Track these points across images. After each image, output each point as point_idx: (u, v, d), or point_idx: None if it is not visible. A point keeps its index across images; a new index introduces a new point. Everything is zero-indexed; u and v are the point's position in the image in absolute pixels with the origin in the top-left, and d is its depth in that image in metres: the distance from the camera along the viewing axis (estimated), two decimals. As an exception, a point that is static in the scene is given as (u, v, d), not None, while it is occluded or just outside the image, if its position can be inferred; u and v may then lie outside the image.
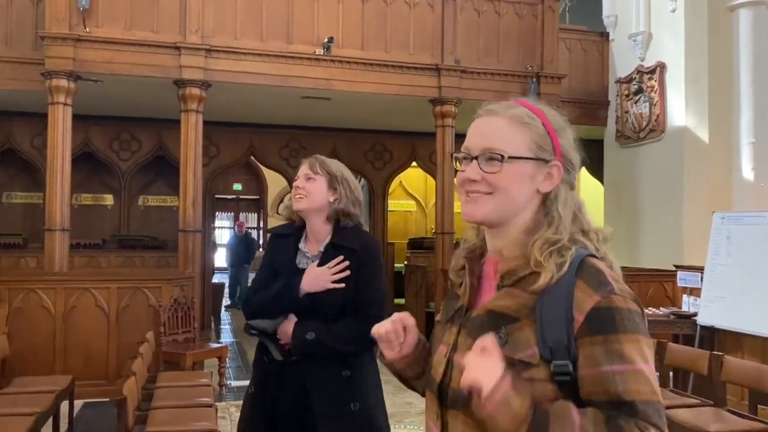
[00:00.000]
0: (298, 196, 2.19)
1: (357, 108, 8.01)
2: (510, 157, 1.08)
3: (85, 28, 6.18)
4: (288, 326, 2.10)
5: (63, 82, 6.14)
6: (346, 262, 2.12)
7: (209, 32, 6.57)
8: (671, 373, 4.80)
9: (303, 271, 2.15)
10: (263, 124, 9.04)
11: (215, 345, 6.28)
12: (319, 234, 2.22)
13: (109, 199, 9.29)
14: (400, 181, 11.06)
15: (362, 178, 10.09)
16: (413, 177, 11.01)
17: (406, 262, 9.29)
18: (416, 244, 10.13)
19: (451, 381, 1.08)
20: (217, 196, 10.61)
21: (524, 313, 1.02)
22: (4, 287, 5.49)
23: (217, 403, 4.04)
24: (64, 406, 4.38)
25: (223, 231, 16.80)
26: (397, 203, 11.19)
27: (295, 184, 2.24)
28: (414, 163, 9.92)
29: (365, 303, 2.12)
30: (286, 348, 2.11)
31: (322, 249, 2.19)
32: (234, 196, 11.63)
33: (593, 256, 1.06)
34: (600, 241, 1.09)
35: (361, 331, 2.07)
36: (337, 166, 2.26)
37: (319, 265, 2.14)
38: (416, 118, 8.01)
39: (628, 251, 8.04)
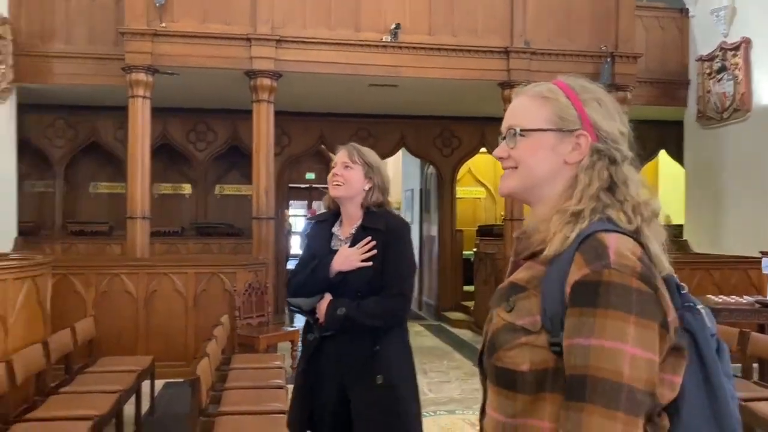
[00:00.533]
0: (335, 183, 2.35)
1: (424, 94, 7.97)
2: (524, 130, 1.13)
3: (161, 23, 6.42)
4: (323, 304, 2.26)
5: (142, 76, 6.42)
6: (374, 242, 2.26)
7: (279, 23, 6.69)
8: (756, 365, 4.56)
9: (336, 252, 2.31)
10: (333, 113, 9.15)
11: (288, 329, 6.43)
12: (351, 218, 2.37)
13: (187, 189, 9.66)
14: (469, 168, 10.95)
15: (430, 165, 10.06)
16: (482, 163, 10.87)
17: (475, 249, 9.21)
18: (485, 231, 10.01)
19: (485, 350, 1.11)
20: (291, 184, 10.82)
21: (533, 284, 1.05)
22: (91, 272, 5.81)
23: (288, 385, 4.14)
24: (146, 385, 4.61)
25: (299, 219, 17.17)
26: (465, 190, 11.08)
27: (333, 171, 2.36)
28: (483, 149, 9.80)
29: (391, 280, 2.26)
30: (321, 324, 2.27)
31: (353, 231, 2.34)
32: (307, 185, 11.81)
33: (615, 230, 1.02)
34: (636, 214, 1.05)
35: (388, 307, 2.24)
36: (372, 156, 2.41)
37: (351, 246, 2.29)
38: (485, 102, 7.89)
39: (710, 237, 7.68)
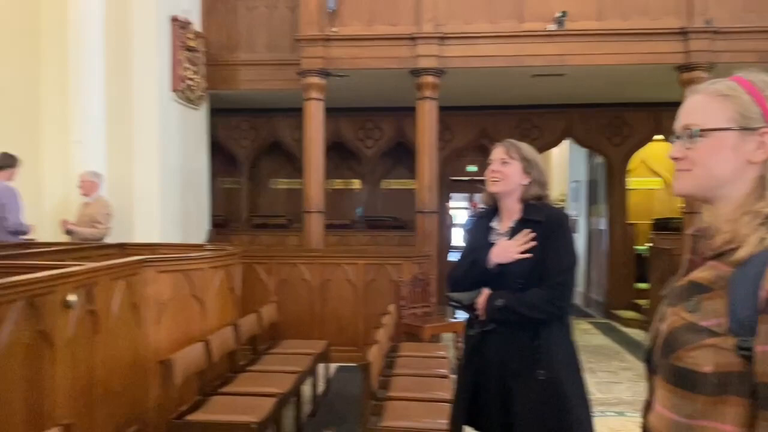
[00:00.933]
0: (493, 179, 2.37)
1: (592, 82, 7.66)
2: (703, 130, 1.10)
3: (332, 28, 6.81)
4: (482, 298, 2.28)
5: (315, 79, 6.85)
6: (533, 234, 2.25)
7: (442, 20, 6.79)
8: None
9: (494, 245, 2.33)
10: (495, 106, 9.09)
11: (452, 320, 6.55)
12: (511, 212, 2.38)
13: (356, 184, 10.14)
14: (642, 157, 10.30)
15: (599, 155, 9.64)
16: (658, 151, 10.17)
17: (650, 245, 8.68)
18: (661, 225, 9.40)
19: (655, 347, 1.11)
20: (452, 177, 10.93)
21: (719, 284, 1.02)
22: (273, 262, 6.35)
23: (452, 376, 4.24)
24: (321, 367, 4.96)
25: (460, 212, 17.27)
26: (638, 181, 10.45)
27: (490, 167, 2.39)
28: (658, 137, 9.19)
29: (551, 271, 2.23)
30: (481, 318, 2.29)
31: (512, 225, 2.34)
32: (468, 178, 11.86)
33: None
34: None
35: (548, 298, 2.21)
36: (529, 151, 2.41)
37: (510, 239, 2.30)
38: (659, 87, 7.41)
39: None
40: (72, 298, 2.93)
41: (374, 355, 3.42)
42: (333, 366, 5.49)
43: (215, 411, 3.30)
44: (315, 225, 6.91)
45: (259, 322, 4.79)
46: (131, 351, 3.61)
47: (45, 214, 5.94)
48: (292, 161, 9.67)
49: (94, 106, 6.09)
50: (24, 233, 5.38)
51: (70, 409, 2.89)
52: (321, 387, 5.01)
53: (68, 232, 5.68)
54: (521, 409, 2.19)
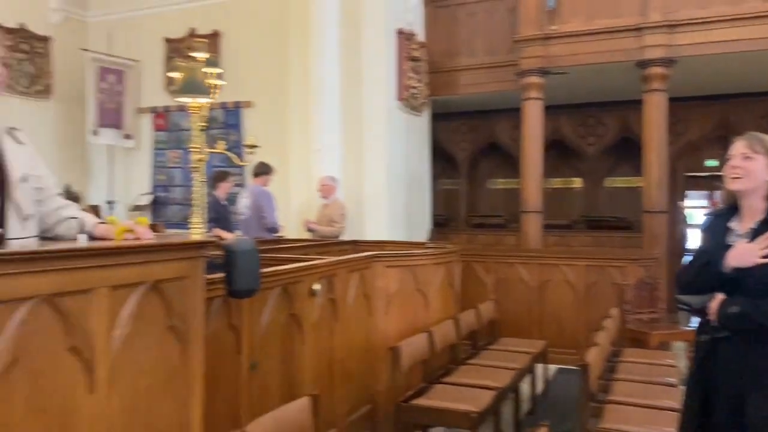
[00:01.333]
0: (733, 176, 2.18)
1: None
2: None
3: (552, 26, 6.75)
4: (714, 302, 2.13)
5: (534, 79, 6.86)
6: None
7: (671, 7, 6.39)
8: None
9: (731, 247, 2.15)
10: (736, 94, 8.25)
11: (684, 328, 6.11)
12: (753, 212, 2.18)
13: (577, 182, 9.87)
14: None
15: None
16: None
17: None
18: None
19: None
20: (687, 173, 10.10)
21: None
22: (490, 261, 6.47)
23: (682, 387, 3.99)
24: (540, 368, 4.97)
25: (697, 211, 15.80)
26: None
27: (729, 163, 2.21)
28: None
29: None
30: (713, 324, 2.15)
31: (754, 226, 2.14)
32: (707, 174, 10.87)
33: None
34: None
35: None
36: None
37: (751, 241, 2.10)
38: None
39: None
40: (317, 286, 3.36)
41: (593, 356, 3.38)
42: (552, 367, 5.45)
43: (438, 398, 3.52)
44: (532, 225, 6.91)
45: (478, 319, 4.95)
46: (363, 337, 3.99)
47: (291, 215, 6.76)
48: (509, 161, 9.72)
49: (331, 117, 6.77)
50: (276, 231, 6.20)
51: (315, 384, 3.31)
52: (540, 386, 5.02)
53: (309, 230, 6.39)
54: (755, 425, 2.04)
